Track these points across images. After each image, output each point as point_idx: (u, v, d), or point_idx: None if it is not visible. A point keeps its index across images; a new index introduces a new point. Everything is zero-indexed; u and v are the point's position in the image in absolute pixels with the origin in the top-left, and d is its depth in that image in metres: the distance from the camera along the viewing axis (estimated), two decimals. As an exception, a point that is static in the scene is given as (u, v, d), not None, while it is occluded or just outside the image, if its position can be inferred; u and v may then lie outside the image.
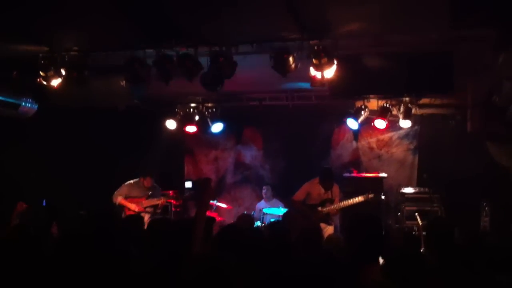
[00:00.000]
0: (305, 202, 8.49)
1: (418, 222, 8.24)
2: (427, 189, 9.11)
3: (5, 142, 7.94)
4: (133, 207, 8.65)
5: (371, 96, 8.36)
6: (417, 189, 9.41)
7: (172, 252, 3.41)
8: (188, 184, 9.52)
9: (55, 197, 8.17)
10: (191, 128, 9.98)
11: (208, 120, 10.03)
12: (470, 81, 6.93)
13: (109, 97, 7.17)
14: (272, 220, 8.68)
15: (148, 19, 5.48)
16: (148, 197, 8.84)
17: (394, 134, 10.27)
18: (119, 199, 8.73)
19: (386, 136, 10.32)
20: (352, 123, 9.33)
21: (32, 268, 3.56)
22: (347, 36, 5.85)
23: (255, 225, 8.08)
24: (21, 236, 4.08)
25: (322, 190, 8.45)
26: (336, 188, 8.59)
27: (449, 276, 3.55)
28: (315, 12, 5.23)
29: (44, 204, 7.03)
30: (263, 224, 8.63)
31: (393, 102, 8.92)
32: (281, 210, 9.07)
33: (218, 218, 9.30)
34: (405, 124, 9.03)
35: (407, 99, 8.72)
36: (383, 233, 2.90)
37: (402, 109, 8.85)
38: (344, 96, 7.81)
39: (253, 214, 9.11)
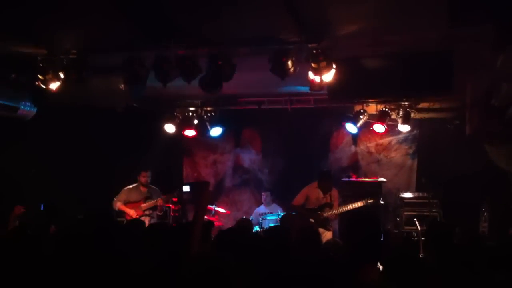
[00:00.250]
0: (304, 207, 8.47)
1: (417, 227, 8.23)
2: (426, 194, 9.10)
3: (4, 141, 7.92)
4: (132, 212, 8.65)
5: (370, 99, 8.35)
6: (416, 194, 9.39)
7: (170, 253, 3.40)
8: (186, 188, 9.49)
9: (53, 197, 8.14)
10: (190, 132, 9.97)
11: (207, 124, 10.02)
12: (469, 80, 6.92)
13: (107, 97, 7.17)
14: (271, 225, 8.66)
15: (147, 19, 5.48)
16: (146, 199, 8.82)
17: (393, 139, 10.27)
18: (118, 205, 8.73)
19: (385, 140, 10.32)
20: (351, 128, 9.33)
21: (31, 268, 3.56)
22: (345, 37, 5.84)
23: (253, 230, 8.07)
24: (20, 237, 4.08)
25: (321, 194, 8.44)
26: (335, 193, 8.57)
27: (448, 276, 3.54)
28: (314, 12, 5.22)
29: (42, 208, 6.99)
30: (261, 230, 8.60)
31: (392, 106, 8.92)
32: (280, 214, 9.05)
33: (217, 223, 9.29)
34: (404, 128, 9.03)
35: (406, 103, 8.71)
36: (382, 234, 2.88)
37: (401, 113, 8.84)
38: (342, 99, 7.81)
39: (251, 219, 9.09)
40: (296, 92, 9.00)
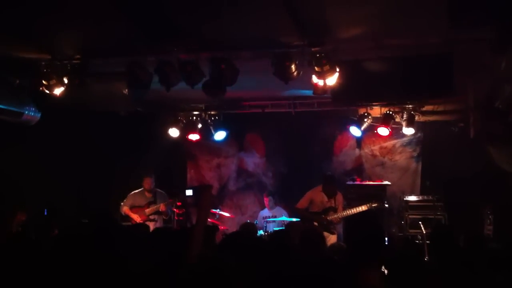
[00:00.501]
0: (308, 210, 8.46)
1: (422, 230, 8.20)
2: (430, 197, 9.06)
3: (5, 144, 7.94)
4: (136, 217, 8.68)
5: (373, 102, 8.34)
6: (420, 197, 9.36)
7: (171, 254, 3.40)
8: (189, 192, 9.49)
9: (55, 199, 8.16)
10: (193, 136, 9.97)
11: (211, 127, 10.02)
12: (470, 82, 6.90)
13: (110, 102, 7.18)
14: (275, 229, 8.64)
15: (149, 21, 5.48)
16: (150, 204, 8.84)
17: (397, 142, 10.23)
18: (124, 209, 8.81)
19: (389, 143, 10.29)
20: (355, 131, 9.32)
21: (34, 272, 3.57)
22: (347, 40, 5.83)
23: (258, 234, 8.06)
24: (23, 241, 4.10)
25: (325, 198, 8.43)
26: (339, 197, 8.56)
27: (452, 279, 3.52)
28: (316, 15, 5.22)
29: (45, 213, 7.02)
30: (266, 233, 8.59)
31: (396, 109, 8.90)
32: (283, 218, 9.04)
33: (221, 227, 9.28)
34: (408, 131, 9.01)
35: (410, 106, 8.70)
36: (384, 236, 2.87)
37: (405, 116, 8.82)
38: (346, 103, 7.81)
39: (256, 223, 9.07)
40: (300, 96, 9.00)
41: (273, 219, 9.20)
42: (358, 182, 9.56)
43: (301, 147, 10.29)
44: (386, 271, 3.39)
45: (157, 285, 3.23)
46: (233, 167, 11.14)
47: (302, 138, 10.28)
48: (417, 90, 6.40)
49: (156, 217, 8.87)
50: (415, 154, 10.22)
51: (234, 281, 2.52)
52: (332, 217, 8.31)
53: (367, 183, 9.54)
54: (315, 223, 8.23)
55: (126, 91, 6.97)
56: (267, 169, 10.72)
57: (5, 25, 5.58)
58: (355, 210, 8.25)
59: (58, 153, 9.02)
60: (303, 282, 2.92)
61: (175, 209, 9.48)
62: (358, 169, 10.41)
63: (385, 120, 8.85)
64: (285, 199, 9.78)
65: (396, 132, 9.53)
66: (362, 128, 9.19)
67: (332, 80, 6.10)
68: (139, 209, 8.81)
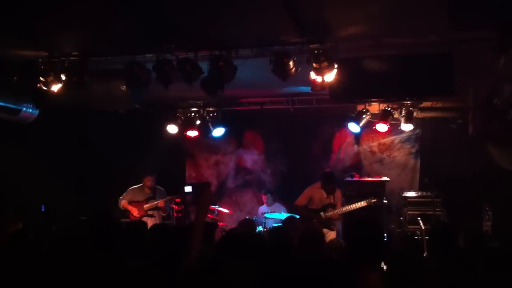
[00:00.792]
0: (307, 207, 8.46)
1: (420, 226, 8.21)
2: (429, 193, 9.07)
3: (4, 144, 7.93)
4: (135, 211, 8.71)
5: (371, 100, 8.33)
6: (419, 193, 9.36)
7: (170, 252, 3.40)
8: (188, 189, 9.49)
9: (55, 199, 8.16)
10: (192, 133, 9.97)
11: (209, 124, 10.02)
12: (470, 82, 6.90)
13: (109, 100, 7.16)
14: (274, 225, 8.65)
15: (148, 20, 5.46)
16: (149, 200, 8.85)
17: (396, 138, 10.24)
18: (122, 203, 8.83)
19: (388, 139, 10.29)
20: (354, 127, 9.31)
21: (33, 270, 3.58)
22: (347, 39, 5.82)
23: (257, 230, 8.06)
24: (22, 240, 4.11)
25: (324, 195, 8.43)
26: (338, 193, 8.56)
27: (450, 277, 3.52)
28: (315, 14, 5.21)
29: (43, 209, 7.02)
30: (265, 230, 8.59)
31: (395, 106, 8.91)
32: (283, 215, 9.04)
33: (220, 223, 9.29)
34: (407, 127, 9.01)
35: (408, 102, 8.70)
36: (384, 235, 2.87)
37: (403, 112, 8.83)
38: (344, 100, 7.78)
39: (254, 219, 9.07)
40: (298, 93, 8.99)
41: (272, 215, 9.20)
42: (356, 179, 9.55)
43: (300, 144, 10.30)
44: (385, 267, 3.39)
45: (156, 284, 3.23)
46: (232, 165, 11.14)
47: (300, 135, 10.28)
48: (416, 89, 6.39)
49: (154, 213, 8.89)
50: (413, 150, 10.22)
51: (233, 281, 2.52)
52: (331, 213, 8.31)
53: (366, 179, 9.54)
54: (314, 221, 8.22)
55: (124, 88, 6.95)
56: (265, 166, 10.71)
57: (3, 23, 5.56)
58: (354, 206, 8.26)
59: (57, 153, 9.03)
60: (302, 281, 2.92)
61: (174, 206, 9.47)
62: (357, 166, 10.42)
63: (384, 116, 8.84)
64: (284, 196, 9.79)
65: (394, 129, 9.53)
66: (361, 124, 9.18)
67: (330, 76, 6.09)
68: (138, 204, 8.85)
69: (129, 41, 6.03)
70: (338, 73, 6.09)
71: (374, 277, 2.68)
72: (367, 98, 7.90)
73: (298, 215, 8.50)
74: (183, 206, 9.84)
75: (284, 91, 8.91)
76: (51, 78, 6.67)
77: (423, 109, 9.10)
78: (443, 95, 7.05)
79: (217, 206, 9.67)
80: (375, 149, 10.44)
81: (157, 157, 10.00)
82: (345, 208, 8.32)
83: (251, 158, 10.87)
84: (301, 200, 8.52)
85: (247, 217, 9.26)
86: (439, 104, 9.02)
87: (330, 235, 8.10)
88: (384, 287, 2.78)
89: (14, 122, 7.82)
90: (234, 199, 10.99)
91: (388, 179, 9.49)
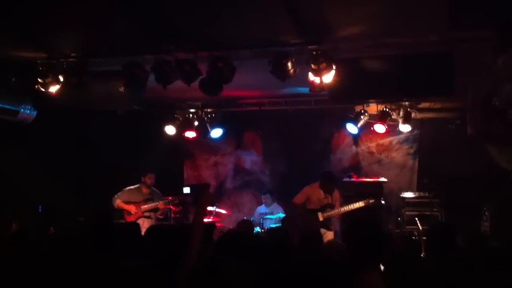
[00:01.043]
0: (305, 206, 8.46)
1: (418, 226, 8.23)
2: (427, 194, 9.09)
3: (4, 144, 7.93)
4: (132, 208, 8.61)
5: (370, 100, 8.34)
6: (417, 194, 9.38)
7: (169, 253, 3.41)
8: (187, 190, 9.50)
9: (55, 199, 8.15)
10: (190, 134, 9.97)
11: (208, 125, 10.03)
12: (470, 82, 6.91)
13: (108, 101, 7.17)
14: (272, 226, 8.66)
15: (147, 20, 5.46)
16: (147, 201, 8.81)
17: (394, 139, 10.26)
18: (117, 202, 8.70)
19: (386, 140, 10.31)
20: (352, 128, 9.32)
21: (32, 271, 3.59)
22: (346, 40, 5.83)
23: (255, 231, 8.07)
24: (21, 241, 4.11)
25: (322, 195, 8.43)
26: (336, 194, 8.56)
27: (449, 277, 3.53)
28: (314, 14, 5.22)
29: (40, 210, 7.02)
30: (263, 230, 8.60)
31: (393, 107, 8.92)
32: (281, 215, 9.05)
33: (218, 224, 9.29)
34: (405, 128, 9.03)
35: (406, 103, 8.71)
36: (383, 236, 2.87)
37: (401, 113, 8.85)
38: (343, 101, 7.79)
39: (253, 220, 9.07)
40: (297, 94, 9.00)
41: (270, 216, 9.21)
42: (354, 179, 9.57)
43: (299, 145, 10.31)
44: (382, 268, 3.39)
45: (155, 284, 3.23)
46: (231, 165, 11.15)
47: (299, 136, 10.29)
48: (416, 89, 6.39)
49: (151, 214, 8.85)
50: (411, 151, 10.25)
51: (233, 281, 2.52)
52: (329, 213, 8.32)
53: (364, 180, 9.55)
54: (312, 219, 8.23)
55: (122, 89, 6.95)
56: (264, 167, 10.72)
57: (3, 24, 5.56)
58: (352, 206, 8.27)
59: (56, 153, 9.03)
60: (302, 281, 2.92)
61: (172, 207, 9.47)
62: (355, 167, 10.43)
63: (382, 117, 8.86)
64: (283, 196, 9.79)
65: (392, 129, 9.54)
66: (359, 125, 9.19)
67: (328, 77, 6.10)
68: (135, 204, 8.76)
69: (129, 42, 6.03)
70: (337, 74, 6.10)
71: (374, 277, 2.69)
72: (366, 98, 7.92)
73: (296, 213, 8.53)
74: (181, 207, 9.84)
75: (283, 92, 8.92)
76: (49, 79, 6.67)
77: (421, 110, 9.12)
78: (443, 95, 7.05)
79: (214, 207, 9.66)
80: (374, 149, 10.46)
81: (157, 158, 10.00)
82: (343, 208, 8.33)
83: (250, 159, 10.89)
84: (299, 198, 8.52)
85: (245, 218, 9.27)
86: (437, 105, 9.03)
87: (328, 235, 8.10)
88: (384, 284, 2.79)
89: (14, 123, 7.82)
90: (233, 199, 11.00)
91: (386, 179, 9.50)
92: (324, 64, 5.90)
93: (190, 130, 9.92)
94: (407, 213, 9.13)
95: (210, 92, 6.61)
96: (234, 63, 6.21)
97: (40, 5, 5.05)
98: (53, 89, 6.76)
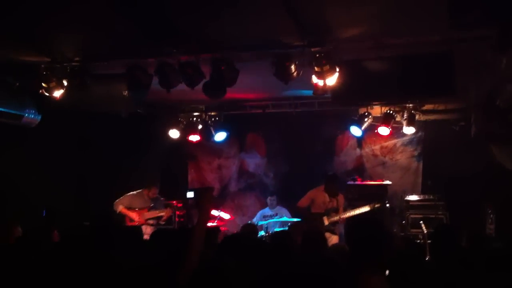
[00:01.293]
0: (309, 209, 8.45)
1: (423, 229, 8.19)
2: (432, 196, 9.06)
3: (7, 146, 7.94)
4: (135, 216, 8.62)
5: (373, 102, 8.33)
6: (421, 197, 9.34)
7: (170, 253, 3.41)
8: (190, 194, 9.49)
9: (56, 201, 8.15)
10: (194, 137, 9.98)
11: (211, 128, 10.03)
12: (472, 82, 6.89)
13: (110, 104, 7.18)
14: (276, 229, 8.63)
15: (149, 23, 5.46)
16: (150, 209, 8.80)
17: (398, 141, 10.23)
18: (120, 208, 8.69)
19: (390, 142, 10.28)
20: (356, 130, 9.31)
21: (33, 271, 3.60)
22: (346, 41, 5.82)
23: (259, 235, 8.05)
24: (23, 242, 4.13)
25: (327, 198, 8.41)
26: (341, 198, 8.55)
27: (453, 280, 3.51)
28: (315, 15, 5.21)
29: (44, 213, 7.01)
30: (267, 234, 8.58)
31: (397, 109, 8.91)
32: (284, 218, 9.03)
33: (222, 228, 9.27)
34: (409, 130, 9.00)
35: (410, 105, 8.69)
36: (384, 235, 2.85)
37: (405, 115, 8.83)
38: (346, 103, 7.79)
39: (257, 224, 9.05)
40: (300, 96, 9.00)
41: (274, 219, 9.18)
42: (359, 182, 9.55)
43: (302, 147, 10.29)
44: (387, 272, 3.37)
45: (156, 284, 3.23)
46: (234, 168, 11.14)
47: (303, 138, 10.27)
48: (417, 90, 6.38)
49: (154, 222, 8.84)
50: (416, 153, 10.22)
51: (234, 281, 2.52)
52: (334, 217, 8.29)
53: (368, 183, 9.53)
54: (317, 223, 8.21)
55: (126, 92, 6.96)
56: (268, 169, 10.71)
57: (5, 28, 5.57)
58: (358, 210, 8.24)
59: (58, 154, 9.02)
60: (303, 281, 2.91)
61: (176, 211, 9.46)
62: (359, 169, 10.41)
63: (386, 119, 8.85)
64: (286, 199, 9.77)
65: (396, 132, 9.54)
66: (363, 127, 9.19)
67: (332, 80, 6.09)
68: (138, 211, 8.76)
69: (129, 43, 6.02)
70: (340, 76, 6.09)
71: (377, 280, 2.66)
72: (369, 100, 7.91)
73: (300, 216, 8.52)
74: (185, 210, 9.84)
75: (286, 94, 8.92)
76: (53, 83, 6.69)
77: (425, 112, 9.10)
78: (445, 95, 7.04)
79: (218, 211, 9.65)
80: (378, 152, 10.44)
81: (158, 159, 10.00)
82: (349, 212, 8.30)
83: (254, 162, 10.88)
84: (303, 201, 8.51)
85: (249, 221, 9.25)
86: (441, 107, 9.02)
87: (333, 239, 8.08)
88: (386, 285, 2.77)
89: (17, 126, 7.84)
90: (237, 202, 10.98)
91: (390, 182, 9.48)
92: (327, 66, 5.89)
93: (193, 134, 9.92)
94: (411, 216, 9.09)
95: (214, 95, 6.61)
96: (236, 65, 6.21)
97: (42, 9, 5.06)
98: (57, 93, 6.78)
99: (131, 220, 8.64)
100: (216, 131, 10.02)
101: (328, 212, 8.34)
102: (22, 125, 7.83)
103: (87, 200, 9.16)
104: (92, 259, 3.50)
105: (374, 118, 9.14)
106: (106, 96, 6.99)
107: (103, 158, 9.78)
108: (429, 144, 9.98)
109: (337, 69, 6.01)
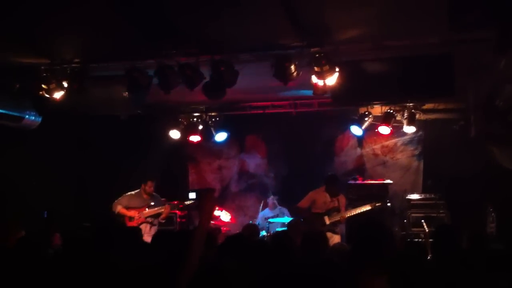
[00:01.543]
0: (310, 210, 8.44)
1: (424, 228, 8.18)
2: (433, 195, 9.05)
3: (7, 148, 7.95)
4: (134, 214, 8.58)
5: (374, 102, 8.33)
6: (423, 195, 9.33)
7: (172, 255, 3.41)
8: (192, 195, 9.49)
9: (56, 203, 8.16)
10: (195, 138, 9.98)
11: (212, 129, 10.04)
12: (471, 83, 6.89)
13: (110, 105, 7.19)
14: (277, 229, 8.63)
15: (149, 24, 5.47)
16: (149, 207, 8.79)
17: (399, 140, 10.23)
18: (118, 208, 8.66)
19: (391, 142, 10.28)
20: (356, 130, 9.31)
21: (34, 272, 3.61)
22: (347, 42, 5.83)
23: (260, 235, 8.04)
24: (25, 246, 4.14)
25: (328, 198, 8.40)
26: (342, 198, 8.53)
27: (452, 279, 3.51)
28: (315, 17, 5.22)
29: (45, 215, 7.04)
30: (268, 234, 8.57)
31: (397, 108, 8.90)
32: (286, 219, 9.03)
33: (223, 229, 9.28)
34: (409, 129, 9.00)
35: (410, 104, 8.70)
36: (384, 235, 2.84)
37: (406, 114, 8.83)
38: (346, 103, 7.80)
39: (258, 224, 9.04)
40: (300, 96, 9.00)
41: (275, 219, 9.17)
42: (360, 182, 9.55)
43: (302, 147, 10.28)
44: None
45: (156, 285, 3.24)
46: (235, 169, 11.14)
47: (303, 138, 10.26)
48: (417, 91, 6.40)
49: (154, 220, 8.81)
50: (416, 152, 10.21)
51: (234, 282, 2.52)
52: (336, 217, 8.29)
53: (369, 182, 9.53)
54: (318, 223, 8.20)
55: (126, 94, 6.97)
56: (268, 170, 10.69)
57: (5, 30, 5.58)
58: (359, 210, 8.24)
59: (58, 155, 9.03)
60: (303, 282, 2.91)
61: (177, 211, 9.45)
62: (360, 169, 10.41)
63: (386, 119, 8.84)
64: (287, 199, 9.77)
65: (397, 131, 9.53)
66: (363, 127, 9.18)
67: (331, 80, 6.09)
68: (136, 210, 8.72)
69: (130, 44, 6.02)
70: (340, 76, 6.10)
71: (376, 279, 2.66)
72: (369, 100, 7.92)
73: (300, 217, 8.50)
74: (186, 211, 9.83)
75: (286, 95, 8.92)
76: (53, 85, 6.70)
77: (425, 111, 9.10)
78: (444, 96, 7.05)
79: (220, 212, 9.65)
80: (378, 151, 10.43)
81: (158, 160, 9.99)
82: (350, 211, 8.30)
83: (254, 162, 10.87)
84: (303, 202, 8.50)
85: (251, 222, 9.25)
86: (442, 106, 9.01)
87: (334, 239, 8.06)
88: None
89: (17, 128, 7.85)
90: (238, 203, 10.98)
91: (391, 181, 9.47)
92: (327, 67, 5.90)
93: (194, 134, 9.93)
94: (412, 215, 9.07)
95: (214, 96, 6.62)
96: (236, 66, 6.22)
97: (42, 11, 5.06)
98: (57, 95, 6.79)
99: (131, 219, 8.59)
100: (217, 131, 10.03)
101: (329, 212, 8.34)
102: (23, 127, 7.85)
103: (87, 201, 9.17)
104: (93, 260, 3.50)
105: (375, 117, 9.14)
106: (105, 98, 7.00)
107: (103, 159, 9.79)
108: (429, 143, 9.97)
109: (337, 69, 6.01)
